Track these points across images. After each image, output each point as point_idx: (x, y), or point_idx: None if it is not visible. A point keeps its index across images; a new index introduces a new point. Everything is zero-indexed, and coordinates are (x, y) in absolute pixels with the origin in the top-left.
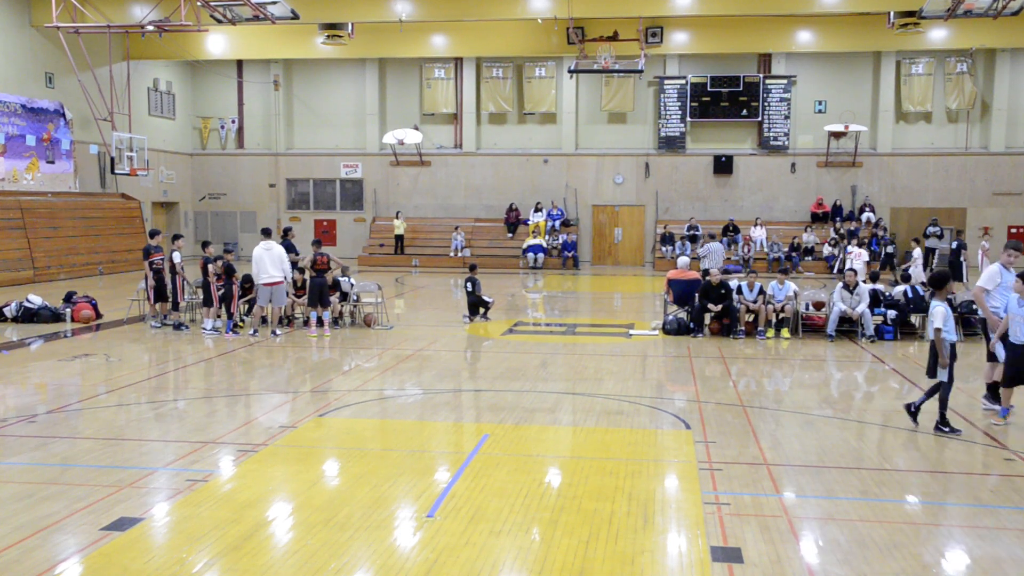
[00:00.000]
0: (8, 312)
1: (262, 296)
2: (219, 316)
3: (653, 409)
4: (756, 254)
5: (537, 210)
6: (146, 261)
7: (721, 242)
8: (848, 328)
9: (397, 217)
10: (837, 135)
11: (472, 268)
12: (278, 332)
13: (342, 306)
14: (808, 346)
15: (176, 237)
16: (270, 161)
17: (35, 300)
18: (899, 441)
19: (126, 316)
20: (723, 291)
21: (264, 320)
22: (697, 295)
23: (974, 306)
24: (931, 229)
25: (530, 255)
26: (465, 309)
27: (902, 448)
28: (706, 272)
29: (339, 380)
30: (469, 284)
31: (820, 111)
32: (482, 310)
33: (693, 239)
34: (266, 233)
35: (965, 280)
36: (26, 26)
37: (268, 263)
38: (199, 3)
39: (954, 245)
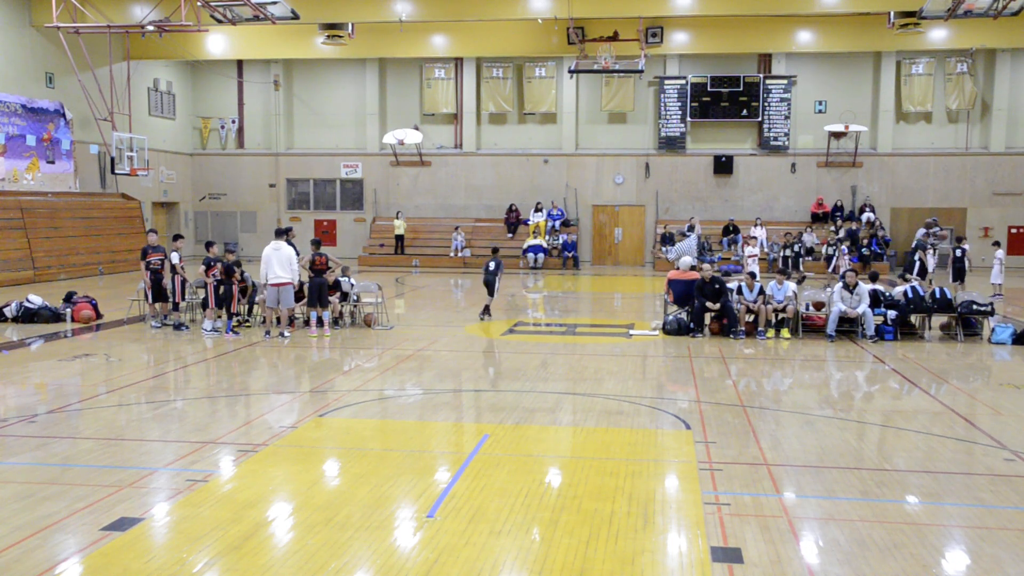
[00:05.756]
0: (8, 312)
1: (270, 297)
2: (219, 316)
3: (653, 409)
4: (750, 253)
5: (537, 210)
6: (143, 261)
7: (691, 235)
8: (848, 328)
9: (397, 217)
10: (837, 135)
11: (495, 251)
12: (287, 333)
13: (342, 306)
14: (808, 346)
15: (176, 237)
16: (270, 161)
17: (35, 300)
18: (899, 441)
19: (126, 316)
20: (717, 286)
21: (277, 320)
22: (694, 294)
23: (974, 306)
24: (926, 230)
25: (530, 255)
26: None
27: (902, 448)
28: (692, 268)
29: (339, 380)
30: (492, 264)
31: (820, 111)
32: (486, 305)
33: (665, 239)
34: (278, 234)
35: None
36: (26, 26)
37: (276, 264)
38: (199, 3)
39: (959, 252)
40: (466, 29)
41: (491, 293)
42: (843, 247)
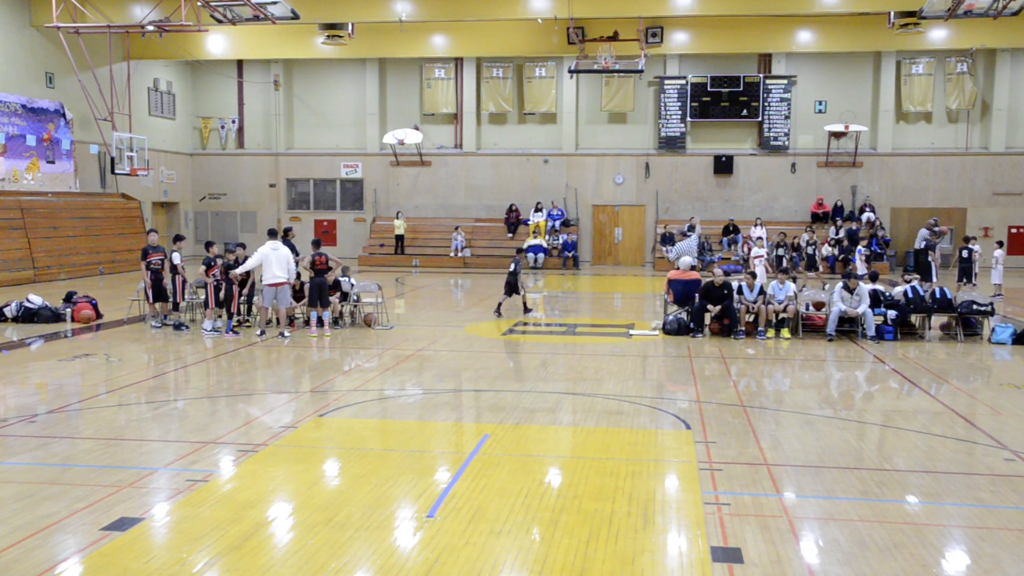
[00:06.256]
0: (8, 312)
1: (266, 296)
2: (219, 316)
3: (653, 409)
4: (756, 255)
5: (537, 210)
6: (144, 261)
7: (691, 235)
8: (848, 328)
9: (397, 217)
10: (837, 135)
11: (519, 251)
12: (286, 333)
13: (342, 306)
14: (808, 346)
15: (178, 238)
16: (270, 161)
17: (35, 300)
18: (899, 441)
19: (126, 316)
20: (725, 291)
21: (273, 321)
22: (698, 295)
23: (974, 306)
24: (924, 230)
25: (530, 255)
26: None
27: (902, 448)
28: (692, 268)
29: (339, 380)
30: (513, 265)
31: (820, 111)
32: (523, 303)
33: (665, 239)
34: (272, 234)
35: (974, 281)
36: (26, 26)
37: (275, 264)
38: (199, 3)
39: (965, 252)
40: (466, 29)
41: (508, 292)
42: (860, 248)
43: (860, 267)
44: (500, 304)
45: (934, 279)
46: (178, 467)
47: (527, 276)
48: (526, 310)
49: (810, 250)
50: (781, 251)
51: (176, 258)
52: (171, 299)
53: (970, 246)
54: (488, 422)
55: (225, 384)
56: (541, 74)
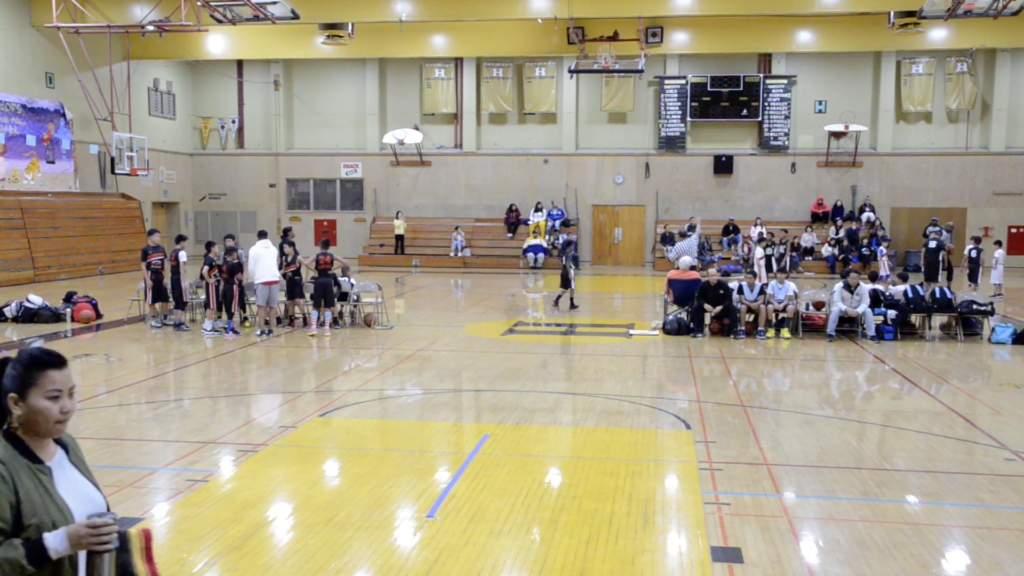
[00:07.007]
0: (8, 312)
1: (260, 296)
2: (219, 316)
3: (653, 409)
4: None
5: (537, 210)
6: (144, 262)
7: (691, 235)
8: (848, 328)
9: (397, 217)
10: (837, 135)
11: (568, 244)
12: (273, 331)
13: (342, 306)
14: (808, 346)
15: (180, 239)
16: (270, 161)
17: (35, 300)
18: (899, 441)
19: (126, 316)
20: (721, 291)
21: (272, 320)
22: (695, 296)
23: (974, 306)
24: (931, 229)
25: (530, 255)
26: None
27: (902, 448)
28: (692, 268)
29: (339, 380)
30: (564, 257)
31: (820, 111)
32: (568, 294)
33: (665, 239)
34: (262, 235)
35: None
36: (26, 26)
37: (267, 262)
38: (199, 3)
39: (974, 252)
40: (466, 29)
41: (564, 285)
42: (880, 248)
43: (884, 268)
44: (559, 297)
45: (939, 279)
46: (178, 467)
47: (528, 276)
48: (572, 303)
49: (781, 249)
50: (770, 251)
51: (183, 257)
52: (179, 298)
53: (979, 246)
54: (488, 422)
55: (225, 384)
56: (541, 74)
